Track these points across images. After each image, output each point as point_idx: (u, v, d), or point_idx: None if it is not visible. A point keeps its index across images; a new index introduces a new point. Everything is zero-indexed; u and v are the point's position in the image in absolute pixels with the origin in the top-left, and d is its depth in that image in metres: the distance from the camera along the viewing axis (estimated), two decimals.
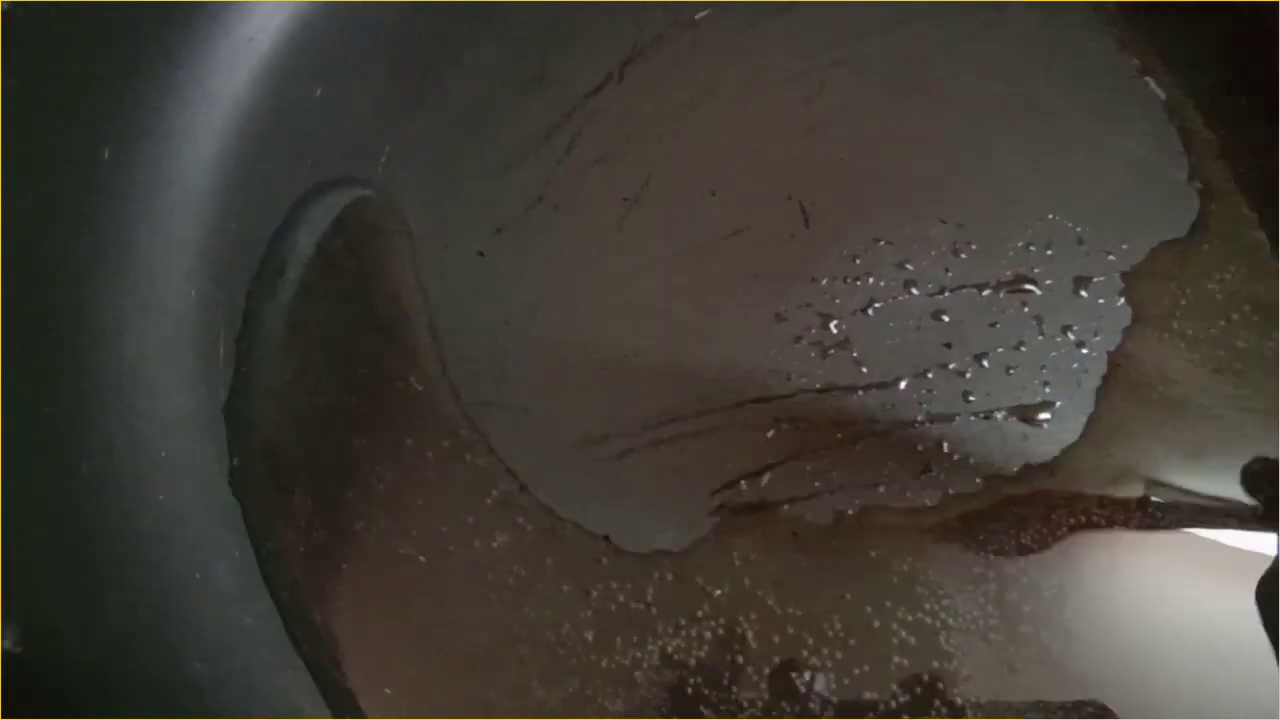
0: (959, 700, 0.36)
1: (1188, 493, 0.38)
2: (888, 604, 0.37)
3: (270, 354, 0.42)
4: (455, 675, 0.37)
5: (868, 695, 0.36)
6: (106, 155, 0.42)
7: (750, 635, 0.37)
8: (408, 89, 0.45)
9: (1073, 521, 0.38)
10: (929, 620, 0.37)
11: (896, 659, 0.36)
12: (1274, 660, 0.35)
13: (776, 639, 0.37)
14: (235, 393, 0.41)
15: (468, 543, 0.39)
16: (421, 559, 0.39)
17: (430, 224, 0.43)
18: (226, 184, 0.43)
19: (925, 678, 0.36)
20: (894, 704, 0.36)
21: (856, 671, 0.36)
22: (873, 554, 0.38)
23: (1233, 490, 0.38)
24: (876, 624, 0.37)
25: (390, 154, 0.44)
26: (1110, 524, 0.38)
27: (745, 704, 0.36)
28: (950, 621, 0.37)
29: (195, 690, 0.36)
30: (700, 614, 0.37)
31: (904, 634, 0.37)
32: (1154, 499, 0.38)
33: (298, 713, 0.37)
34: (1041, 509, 0.38)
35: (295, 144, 0.44)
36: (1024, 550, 0.37)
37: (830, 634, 0.37)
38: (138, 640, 0.37)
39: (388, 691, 0.37)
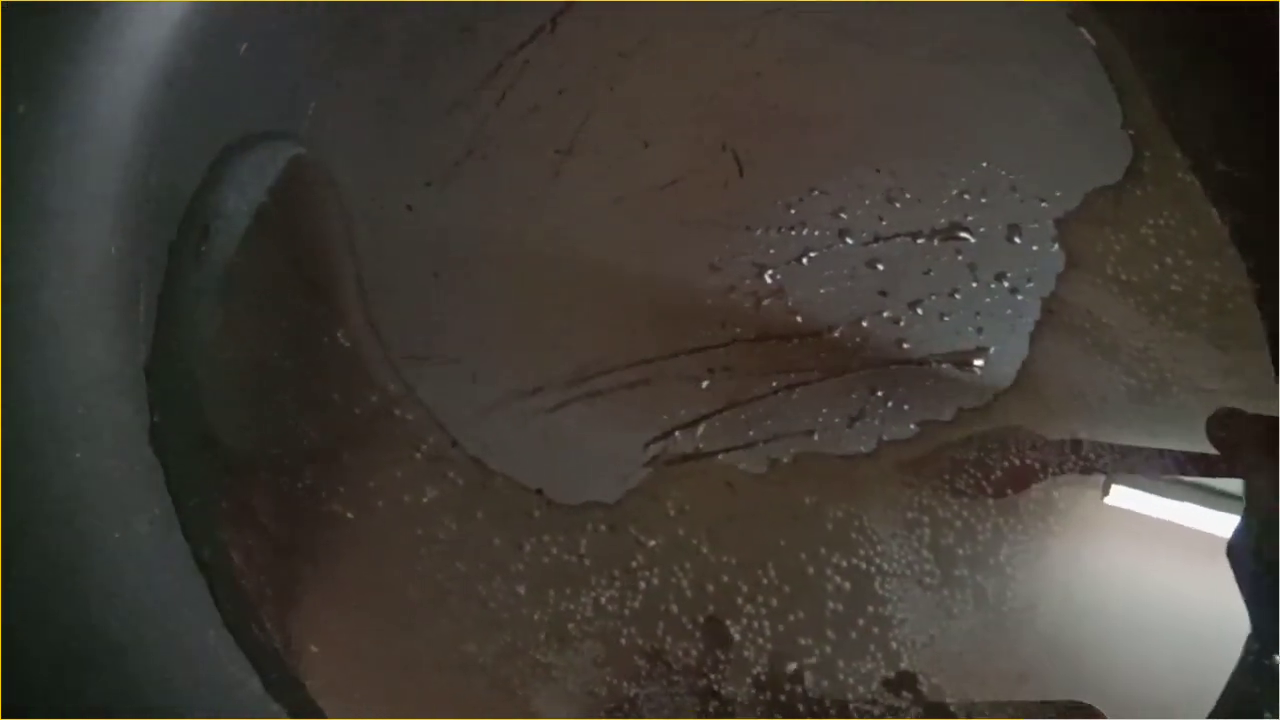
0: (894, 644, 0.36)
1: (1122, 435, 0.38)
2: (822, 551, 0.37)
3: (193, 310, 0.40)
4: (384, 631, 0.36)
5: (802, 641, 0.36)
6: (22, 109, 0.40)
7: (685, 584, 0.37)
8: (335, 41, 0.44)
9: (1006, 465, 0.38)
10: (863, 566, 0.37)
11: (831, 605, 0.36)
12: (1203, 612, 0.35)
13: (711, 588, 0.36)
14: (156, 349, 0.40)
15: (396, 498, 0.38)
16: (349, 515, 0.38)
17: (359, 178, 0.42)
18: (148, 138, 0.42)
19: (860, 622, 0.36)
20: (828, 650, 0.35)
21: (791, 618, 0.36)
22: (807, 501, 0.37)
23: (1166, 433, 0.38)
24: (811, 571, 0.36)
25: (317, 107, 0.43)
26: (1044, 467, 0.38)
27: (680, 653, 0.36)
28: (885, 567, 0.37)
29: (115, 650, 0.35)
30: (634, 565, 0.37)
31: (839, 580, 0.36)
32: (1088, 442, 0.38)
33: (222, 672, 0.36)
34: (976, 453, 0.38)
35: (219, 97, 0.43)
36: (958, 494, 0.37)
37: (765, 582, 0.37)
38: (54, 600, 0.35)
39: (314, 649, 0.36)
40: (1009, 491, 0.37)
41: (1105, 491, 0.38)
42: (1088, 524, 0.37)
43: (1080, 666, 0.36)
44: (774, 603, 0.36)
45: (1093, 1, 0.44)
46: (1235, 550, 0.36)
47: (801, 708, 0.35)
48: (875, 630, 0.36)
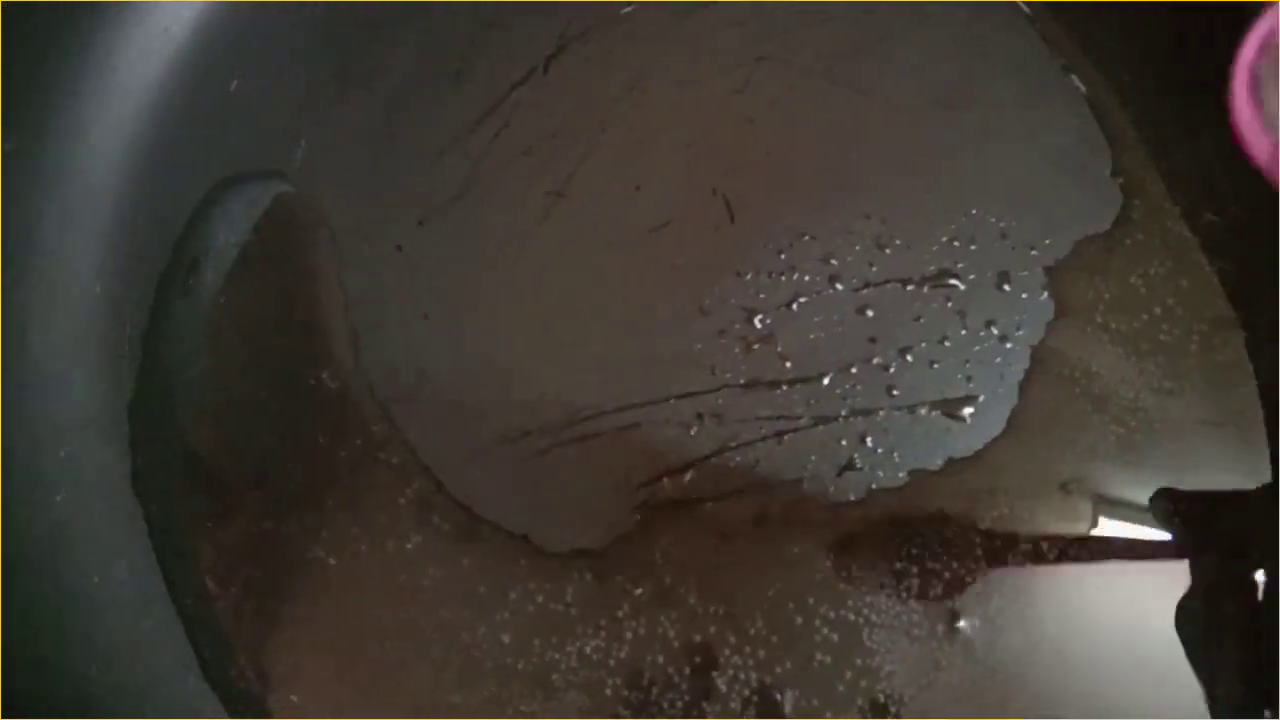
0: (881, 698, 0.35)
1: (1110, 485, 0.38)
2: (810, 601, 0.37)
3: (178, 350, 0.40)
4: (366, 680, 0.36)
5: (790, 693, 0.35)
6: (9, 146, 0.40)
7: (671, 635, 0.36)
8: (327, 80, 0.44)
9: (996, 515, 0.37)
10: (851, 617, 0.36)
11: (819, 656, 0.36)
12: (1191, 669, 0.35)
13: (698, 638, 0.36)
14: (140, 390, 0.39)
15: (380, 544, 0.38)
16: (332, 560, 0.37)
17: (350, 218, 0.43)
18: (137, 176, 0.42)
19: (848, 675, 0.36)
20: (815, 702, 0.35)
21: (778, 670, 0.36)
22: (796, 550, 0.37)
23: (1155, 483, 0.38)
24: (799, 621, 0.36)
25: (308, 146, 0.43)
26: (1034, 518, 0.38)
27: (665, 705, 0.35)
28: (873, 618, 0.36)
29: (93, 696, 0.35)
30: (620, 614, 0.37)
31: (826, 631, 0.36)
32: (1077, 493, 0.38)
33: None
34: (965, 504, 0.38)
35: (209, 136, 0.43)
36: (948, 545, 0.37)
37: (752, 632, 0.36)
38: (30, 646, 0.35)
39: (294, 699, 0.36)
40: (998, 543, 0.37)
41: (1095, 543, 0.38)
42: (1078, 576, 0.37)
43: None
44: (761, 654, 0.36)
45: (1083, 50, 0.44)
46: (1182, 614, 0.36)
47: None
48: (863, 683, 0.36)
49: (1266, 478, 0.38)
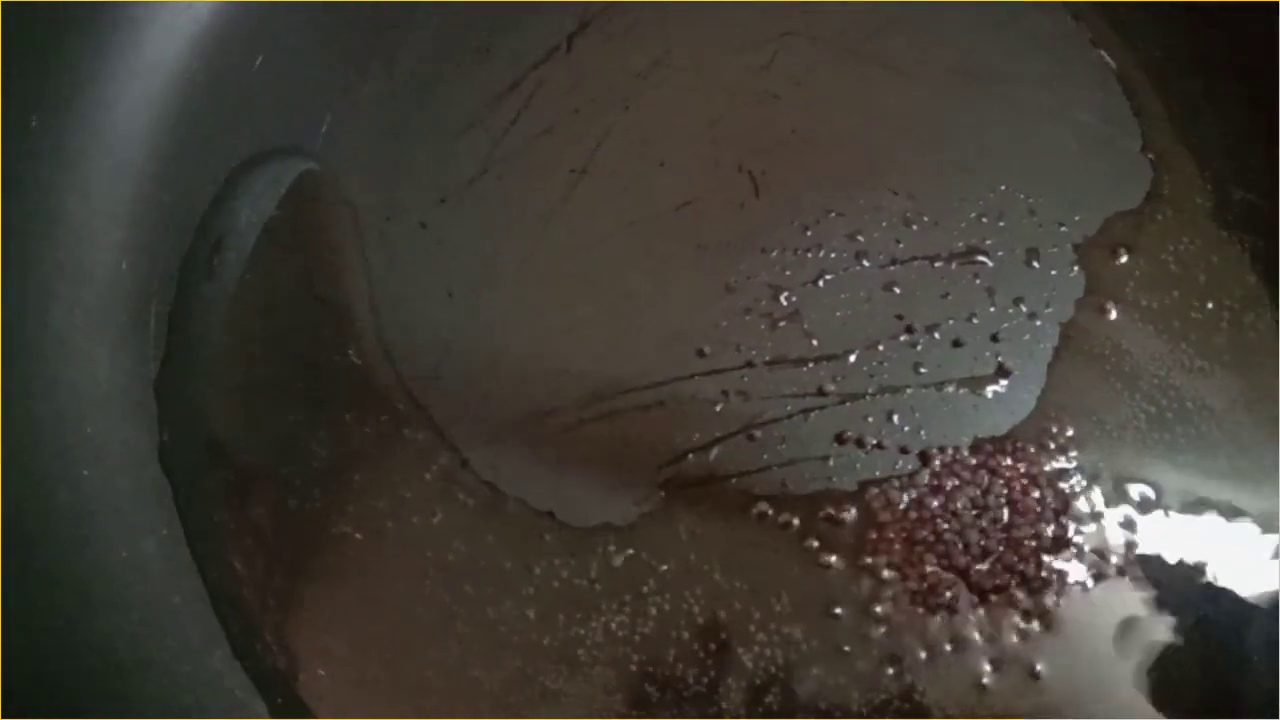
0: (908, 676, 0.36)
1: (1142, 465, 0.38)
2: (834, 579, 0.37)
3: (203, 327, 0.41)
4: (391, 655, 0.37)
5: (814, 671, 0.36)
6: (34, 122, 0.41)
7: (696, 610, 0.37)
8: (351, 58, 0.45)
9: (1022, 494, 0.37)
10: (875, 595, 0.36)
11: (842, 634, 0.36)
12: None
13: (723, 614, 0.37)
14: (166, 366, 0.40)
15: (406, 519, 0.38)
16: (358, 536, 0.38)
17: (373, 195, 0.43)
18: (161, 153, 0.43)
19: (874, 653, 0.36)
20: (841, 680, 0.35)
21: (804, 648, 0.36)
22: (821, 528, 0.37)
23: (1187, 464, 0.38)
24: (823, 599, 0.36)
25: (332, 124, 0.44)
26: (1060, 499, 0.38)
27: (690, 679, 0.36)
28: (897, 597, 0.36)
29: (120, 669, 0.36)
30: (645, 590, 0.37)
31: (850, 609, 0.36)
32: (1106, 474, 0.38)
33: (226, 695, 0.36)
34: (990, 481, 0.38)
35: (233, 113, 0.44)
36: (974, 525, 0.37)
37: (778, 609, 0.37)
38: (59, 619, 0.36)
39: (321, 672, 0.36)
40: (1023, 524, 0.37)
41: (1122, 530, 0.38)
42: (1105, 565, 0.37)
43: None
44: (786, 630, 0.36)
45: (1112, 26, 0.44)
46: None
47: None
48: (886, 663, 0.36)
49: None
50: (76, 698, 0.35)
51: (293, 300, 0.42)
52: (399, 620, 0.37)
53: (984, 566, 0.37)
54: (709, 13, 0.45)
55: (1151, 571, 0.37)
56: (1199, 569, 0.37)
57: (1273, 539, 0.38)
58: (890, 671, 0.36)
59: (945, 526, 0.38)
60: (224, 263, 0.42)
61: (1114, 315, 0.40)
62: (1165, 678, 0.36)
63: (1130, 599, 0.37)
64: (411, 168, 0.43)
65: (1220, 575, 0.37)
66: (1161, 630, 0.37)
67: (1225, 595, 0.37)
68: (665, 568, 0.37)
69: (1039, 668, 0.36)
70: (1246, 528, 0.38)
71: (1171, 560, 0.37)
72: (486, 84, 0.44)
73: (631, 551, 0.38)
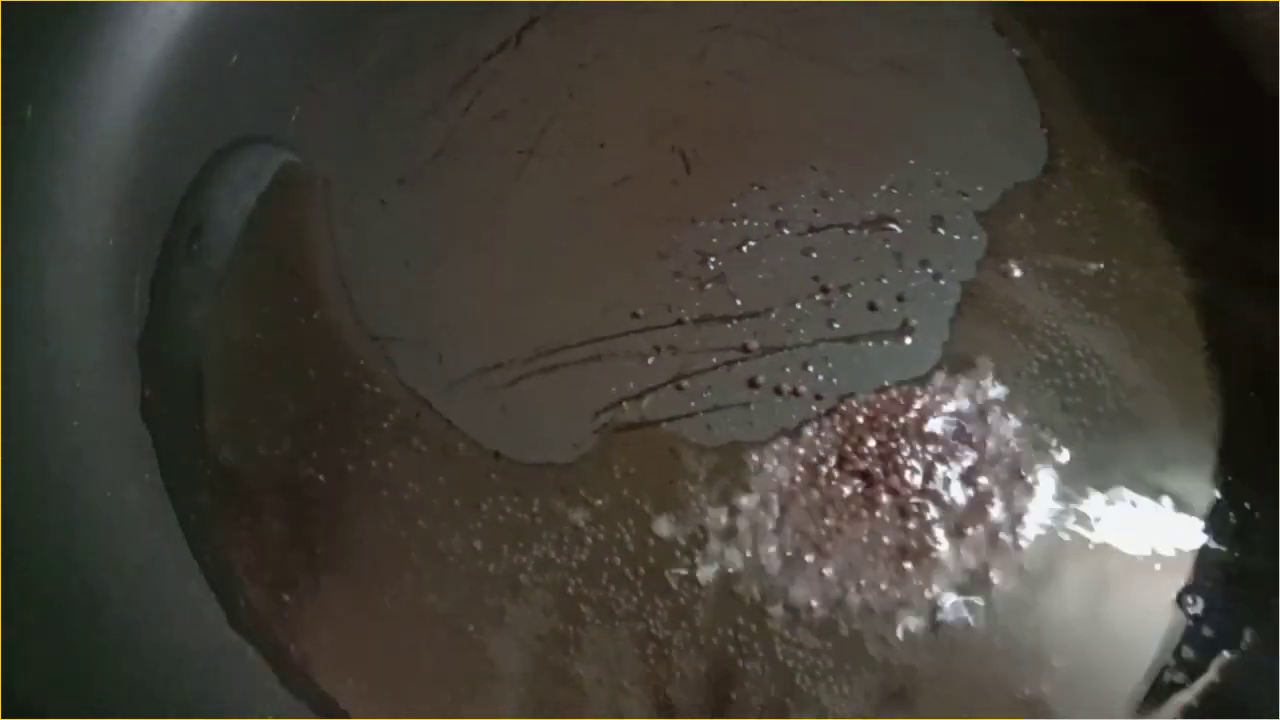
0: (839, 589, 0.40)
1: (1036, 407, 0.43)
2: (758, 500, 0.41)
3: (182, 297, 0.46)
4: (350, 584, 0.41)
5: (736, 590, 0.40)
6: (29, 113, 0.46)
7: (628, 540, 0.41)
8: (318, 55, 0.50)
9: (927, 433, 0.42)
10: (791, 512, 0.41)
11: (767, 550, 0.41)
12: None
13: (651, 542, 0.41)
14: (148, 330, 0.45)
15: (365, 463, 0.43)
16: (321, 478, 0.43)
17: (338, 177, 0.48)
18: (144, 142, 0.48)
19: (808, 559, 0.41)
20: (756, 592, 0.40)
21: (730, 570, 0.41)
22: (744, 464, 0.42)
23: (1076, 406, 0.43)
24: (750, 520, 0.41)
25: (301, 114, 0.49)
26: (962, 437, 0.43)
27: (622, 600, 0.40)
28: (811, 511, 0.41)
29: (105, 599, 0.40)
30: (582, 522, 0.42)
31: (764, 533, 0.41)
32: (1003, 412, 0.43)
33: (201, 623, 0.41)
34: (898, 424, 0.43)
35: (211, 105, 0.49)
36: (886, 459, 0.42)
37: (701, 537, 0.41)
38: (51, 554, 0.40)
39: (285, 598, 0.41)
40: (935, 461, 0.42)
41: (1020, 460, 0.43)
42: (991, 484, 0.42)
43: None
44: (714, 550, 0.41)
45: (1016, 16, 0.50)
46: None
47: (732, 649, 0.40)
48: (818, 568, 0.41)
49: (1185, 406, 0.43)
50: (64, 623, 0.40)
51: (265, 271, 0.47)
52: (358, 552, 0.42)
53: (890, 500, 0.42)
54: (647, 9, 0.51)
55: (1045, 500, 0.42)
56: (1085, 497, 0.42)
57: (1159, 472, 0.43)
58: (821, 578, 0.41)
59: (858, 466, 0.42)
60: (202, 240, 0.47)
61: (1012, 275, 0.45)
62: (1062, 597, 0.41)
63: (1025, 530, 0.42)
64: (373, 152, 0.49)
65: (1105, 505, 0.42)
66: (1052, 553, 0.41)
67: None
68: (600, 502, 0.42)
69: (941, 601, 0.41)
70: (1132, 461, 0.42)
71: (1062, 492, 0.42)
72: (443, 76, 0.50)
73: (570, 488, 0.42)
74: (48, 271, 0.46)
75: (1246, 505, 0.42)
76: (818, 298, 0.46)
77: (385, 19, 0.51)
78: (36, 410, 0.43)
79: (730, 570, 0.41)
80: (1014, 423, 0.43)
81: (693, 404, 0.44)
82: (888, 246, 0.46)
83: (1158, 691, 0.40)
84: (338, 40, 0.51)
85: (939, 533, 0.42)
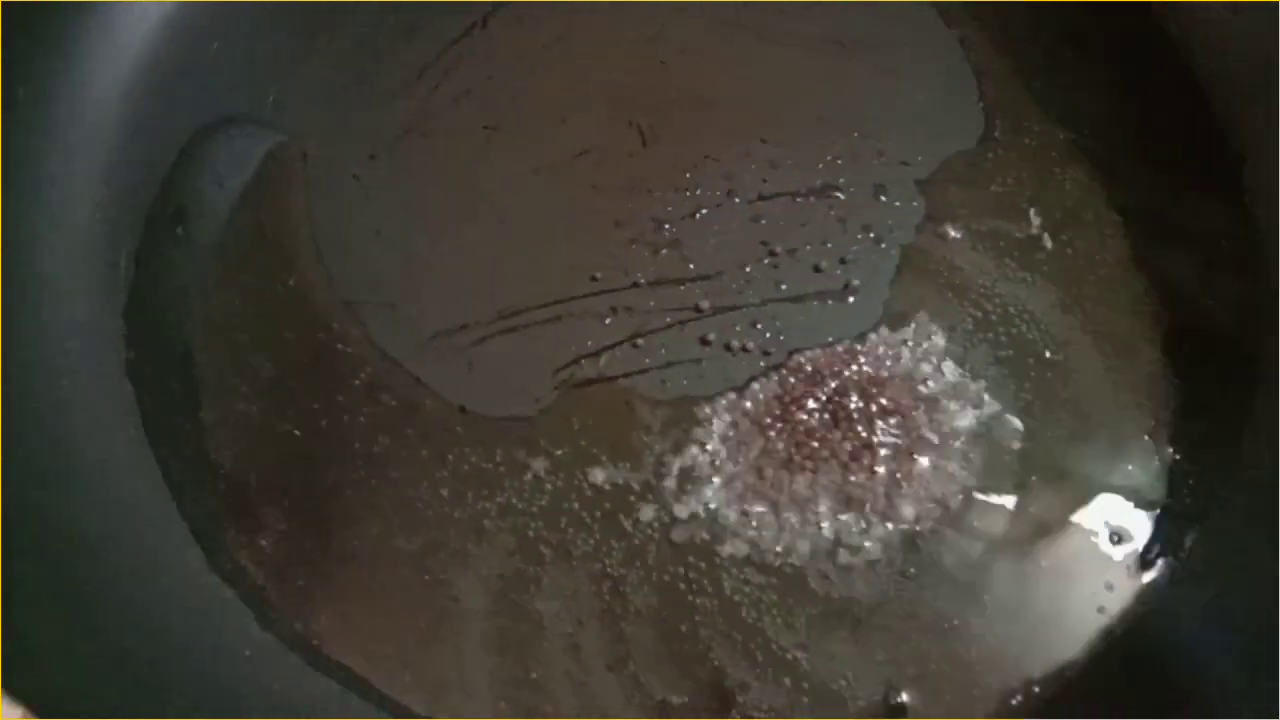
0: (775, 518, 0.43)
1: (969, 361, 0.46)
2: (711, 448, 0.44)
3: (165, 265, 0.49)
4: (323, 528, 0.44)
5: (687, 532, 0.43)
6: (22, 93, 0.49)
7: (585, 487, 0.44)
8: (294, 39, 0.53)
9: (870, 384, 0.45)
10: (744, 465, 0.44)
11: (722, 497, 0.44)
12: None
13: (608, 488, 0.44)
14: (134, 296, 0.48)
15: (338, 418, 0.46)
16: (296, 433, 0.46)
17: (314, 154, 0.51)
18: (131, 121, 0.51)
19: (737, 499, 0.43)
20: (705, 535, 0.43)
21: (682, 514, 0.43)
22: (697, 415, 0.45)
23: (1008, 360, 0.46)
24: (703, 468, 0.44)
25: (278, 95, 0.52)
26: (906, 388, 0.45)
27: (579, 543, 0.43)
28: (764, 467, 0.44)
29: (93, 542, 0.43)
30: (542, 471, 0.44)
31: (716, 481, 0.44)
32: (942, 369, 0.46)
33: (182, 566, 0.44)
34: (843, 377, 0.45)
35: (193, 87, 0.52)
36: (829, 410, 0.45)
37: (654, 484, 0.44)
38: (43, 501, 0.43)
39: (262, 543, 0.44)
40: (876, 413, 0.45)
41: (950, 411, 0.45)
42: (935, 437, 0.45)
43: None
44: (664, 500, 0.44)
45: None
46: None
47: (682, 586, 0.43)
48: (748, 513, 0.44)
49: (1111, 356, 0.46)
50: (54, 564, 0.42)
51: (244, 240, 0.50)
52: (332, 501, 0.45)
53: (833, 449, 0.45)
54: None
55: (979, 446, 0.45)
56: (1017, 443, 0.45)
57: (1087, 417, 0.45)
58: (744, 515, 0.43)
59: (802, 417, 0.45)
60: (185, 213, 0.50)
61: (949, 237, 0.48)
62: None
63: (959, 474, 0.45)
64: (347, 129, 0.52)
65: (1036, 449, 0.45)
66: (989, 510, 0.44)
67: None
68: (559, 452, 0.45)
69: (879, 542, 0.43)
70: (1062, 408, 0.45)
71: (995, 438, 0.45)
72: (412, 58, 0.53)
73: (531, 439, 0.45)
74: (41, 241, 0.48)
75: (1170, 449, 0.45)
76: (766, 261, 0.48)
77: (356, 6, 0.54)
78: (31, 370, 0.46)
79: (681, 514, 0.44)
80: (950, 376, 0.46)
81: (647, 361, 0.47)
82: (832, 213, 0.49)
83: (1084, 621, 0.43)
84: (312, 26, 0.53)
85: (879, 479, 0.44)
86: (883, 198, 0.49)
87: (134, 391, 0.47)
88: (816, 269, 0.48)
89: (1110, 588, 0.43)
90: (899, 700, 0.41)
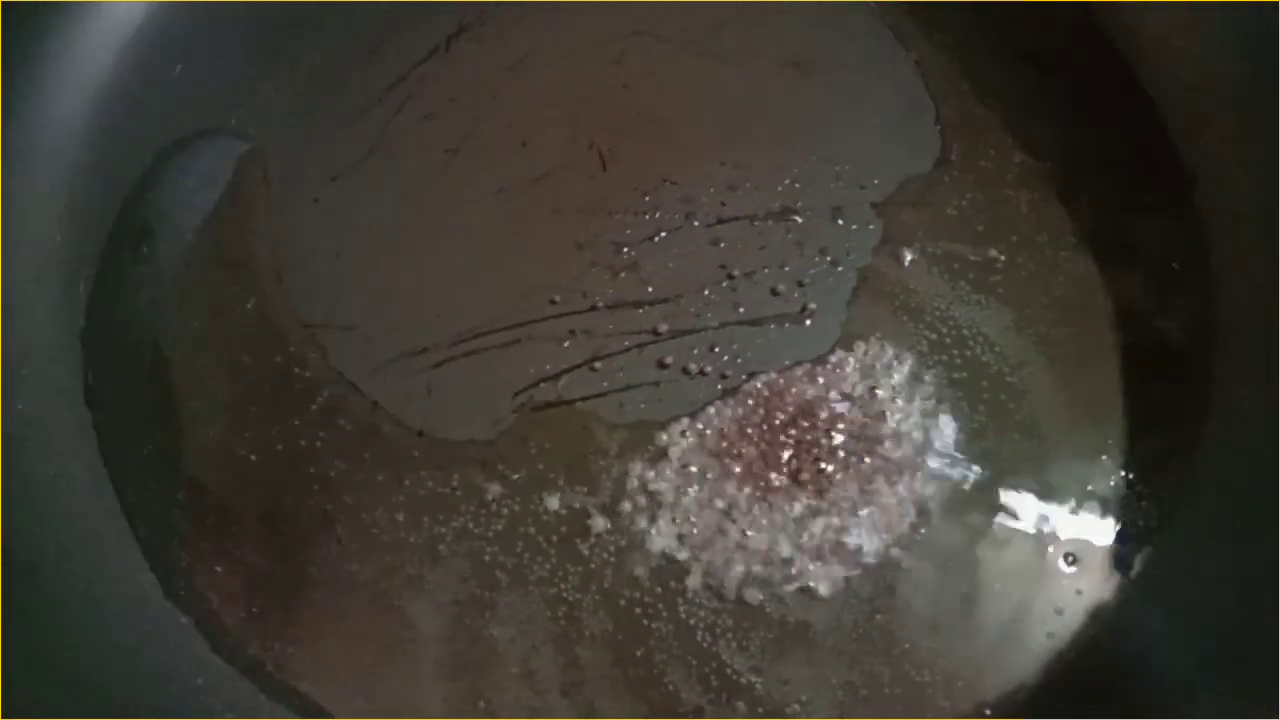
0: (730, 540, 0.43)
1: (919, 389, 0.46)
2: (669, 475, 0.44)
3: (125, 288, 0.49)
4: (279, 553, 0.44)
5: (643, 556, 0.43)
6: None
7: (542, 510, 0.44)
8: (257, 61, 0.53)
9: (826, 412, 0.45)
10: (704, 490, 0.44)
11: (678, 522, 0.44)
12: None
13: (565, 513, 0.44)
14: (92, 318, 0.48)
15: (294, 442, 0.46)
16: (253, 457, 0.46)
17: (275, 176, 0.51)
18: (94, 142, 0.51)
19: (694, 523, 0.43)
20: (663, 559, 0.43)
21: (638, 538, 0.44)
22: (656, 441, 0.45)
23: (962, 382, 0.46)
24: (658, 498, 0.44)
25: (241, 116, 0.52)
26: (860, 409, 0.45)
27: (535, 567, 0.43)
28: (723, 487, 0.44)
29: (43, 569, 0.43)
30: (500, 494, 0.44)
31: (674, 504, 0.44)
32: (896, 389, 0.46)
33: (137, 591, 0.44)
34: (800, 400, 0.46)
35: (156, 110, 0.52)
36: (786, 433, 0.45)
37: (611, 508, 0.44)
38: None
39: (218, 569, 0.44)
40: (833, 428, 0.45)
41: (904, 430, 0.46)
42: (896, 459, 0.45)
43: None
44: (622, 523, 0.44)
45: (911, 19, 0.53)
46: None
47: (638, 610, 0.43)
48: (718, 527, 0.44)
49: (1064, 376, 0.46)
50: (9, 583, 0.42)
51: (204, 263, 0.50)
52: (286, 525, 0.45)
53: (789, 472, 0.45)
54: (568, 16, 0.54)
55: (934, 469, 0.45)
56: (972, 464, 0.45)
57: (1040, 437, 0.46)
58: (701, 538, 0.43)
59: (759, 440, 0.45)
60: (145, 235, 0.50)
61: (904, 261, 0.49)
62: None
63: (913, 498, 0.45)
64: (309, 151, 0.52)
65: (990, 470, 0.45)
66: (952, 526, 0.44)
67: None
68: (517, 476, 0.45)
69: (834, 567, 0.43)
70: (1016, 429, 0.46)
71: (950, 460, 0.45)
72: (375, 80, 0.53)
73: (489, 463, 0.45)
74: (1, 262, 0.48)
75: (1124, 468, 0.45)
76: (724, 284, 0.48)
77: (319, 27, 0.54)
78: None
79: (638, 538, 0.44)
80: (905, 399, 0.46)
81: (605, 384, 0.47)
82: (790, 236, 0.49)
83: (1037, 641, 0.43)
84: (276, 48, 0.53)
85: (834, 502, 0.44)
86: (840, 220, 0.50)
87: (92, 415, 0.46)
88: (774, 292, 0.48)
89: (1063, 608, 0.44)
90: None
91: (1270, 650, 0.38)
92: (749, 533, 0.44)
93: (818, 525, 0.44)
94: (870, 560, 0.44)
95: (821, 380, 0.47)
